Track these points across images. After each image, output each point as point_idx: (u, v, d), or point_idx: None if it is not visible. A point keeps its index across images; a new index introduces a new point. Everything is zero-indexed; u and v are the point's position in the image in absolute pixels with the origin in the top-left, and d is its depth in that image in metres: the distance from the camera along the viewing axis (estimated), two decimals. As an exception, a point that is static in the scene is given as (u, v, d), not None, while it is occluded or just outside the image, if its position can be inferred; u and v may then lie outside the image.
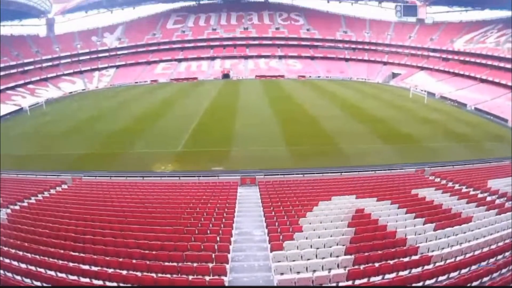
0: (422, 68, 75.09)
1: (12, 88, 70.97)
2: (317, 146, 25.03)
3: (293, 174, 20.77)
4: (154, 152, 25.11)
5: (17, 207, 15.95)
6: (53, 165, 24.75)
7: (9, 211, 15.32)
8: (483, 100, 52.09)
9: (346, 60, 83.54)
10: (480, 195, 16.25)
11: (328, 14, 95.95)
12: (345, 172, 20.80)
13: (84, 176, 21.43)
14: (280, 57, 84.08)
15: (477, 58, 64.84)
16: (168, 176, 20.20)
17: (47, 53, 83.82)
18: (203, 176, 20.05)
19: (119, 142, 29.02)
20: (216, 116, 35.65)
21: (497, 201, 15.06)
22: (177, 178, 19.99)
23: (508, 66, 57.35)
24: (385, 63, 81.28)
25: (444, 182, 19.24)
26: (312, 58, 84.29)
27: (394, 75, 76.38)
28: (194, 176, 20.12)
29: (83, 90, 77.90)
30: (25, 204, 16.63)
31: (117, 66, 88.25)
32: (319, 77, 75.67)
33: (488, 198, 15.65)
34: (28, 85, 74.33)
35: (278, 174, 20.49)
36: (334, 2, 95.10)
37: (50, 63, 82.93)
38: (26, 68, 77.84)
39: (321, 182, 19.55)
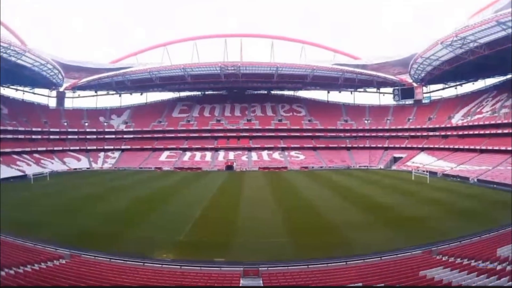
0: (423, 149, 76.07)
1: (18, 153, 72.69)
2: (320, 236, 24.74)
3: (298, 265, 19.95)
4: (156, 238, 24.79)
5: (12, 272, 15.51)
6: (50, 237, 24.32)
7: (3, 273, 14.87)
8: (484, 170, 52.36)
9: (348, 148, 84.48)
10: (489, 266, 15.74)
11: (328, 104, 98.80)
12: (350, 261, 20.12)
13: (83, 254, 20.89)
14: (283, 148, 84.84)
15: (475, 129, 65.95)
16: (169, 264, 19.65)
17: (55, 126, 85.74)
18: (204, 266, 19.53)
19: (120, 225, 28.71)
20: (219, 207, 35.51)
21: (508, 268, 14.54)
22: (178, 267, 19.42)
23: (506, 131, 57.89)
24: (386, 148, 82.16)
25: (452, 259, 18.61)
26: (315, 148, 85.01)
27: (396, 159, 76.78)
28: (196, 266, 19.64)
29: (87, 168, 79.20)
30: (21, 270, 16.10)
31: (123, 150, 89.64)
32: (321, 167, 75.75)
33: (498, 267, 15.12)
34: (34, 153, 75.82)
35: (282, 266, 19.87)
36: (334, 92, 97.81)
37: (57, 136, 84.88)
38: (33, 136, 79.62)
39: (326, 272, 18.96)
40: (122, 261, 19.64)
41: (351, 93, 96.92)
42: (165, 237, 24.59)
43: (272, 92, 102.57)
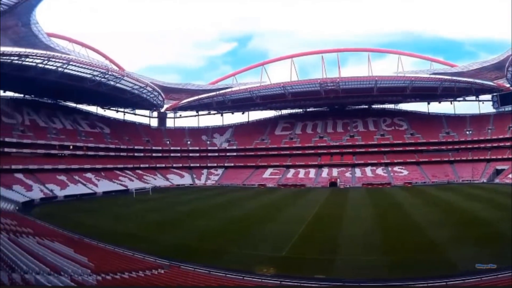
0: (527, 159, 73.15)
1: (121, 169, 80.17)
2: (421, 254, 24.28)
3: (398, 284, 20.40)
4: (257, 253, 25.68)
5: (108, 277, 16.52)
6: (150, 249, 26.03)
7: (99, 278, 15.96)
8: None
9: (451, 162, 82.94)
10: None
11: (429, 116, 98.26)
12: (450, 281, 19.47)
13: (182, 265, 22.05)
14: (386, 164, 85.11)
15: None
16: (269, 279, 20.62)
17: (157, 144, 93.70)
18: (304, 283, 20.35)
19: (221, 240, 29.80)
20: (321, 224, 36.61)
21: None
22: (278, 282, 20.41)
23: None
24: (488, 161, 79.53)
25: None
26: (418, 163, 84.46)
27: (498, 172, 73.91)
28: (296, 282, 20.51)
29: (190, 184, 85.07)
30: (117, 277, 17.15)
31: (226, 167, 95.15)
32: (424, 182, 74.80)
33: None
34: (137, 170, 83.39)
35: (381, 284, 20.32)
36: (433, 103, 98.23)
37: (160, 154, 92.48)
38: (136, 154, 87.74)
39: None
40: (222, 274, 20.54)
41: (451, 103, 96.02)
42: (266, 253, 25.60)
43: (373, 106, 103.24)
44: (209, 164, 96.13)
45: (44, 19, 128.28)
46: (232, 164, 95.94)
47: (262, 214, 42.33)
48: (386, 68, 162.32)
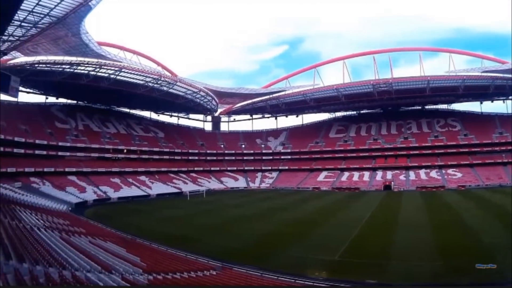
0: None
1: (175, 172, 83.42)
2: (476, 261, 22.90)
3: None
4: (310, 257, 26.08)
5: (160, 277, 17.06)
6: (203, 250, 27.24)
7: (151, 277, 16.55)
8: None
9: (504, 164, 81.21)
10: None
11: (482, 116, 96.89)
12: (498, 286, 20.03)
13: (235, 267, 22.84)
14: (440, 166, 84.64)
15: None
16: (321, 283, 20.89)
17: (211, 148, 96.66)
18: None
19: (273, 242, 30.62)
20: (375, 228, 36.74)
21: None
22: (329, 285, 20.65)
23: None
24: None
25: None
26: (471, 165, 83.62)
27: None
28: (346, 286, 21.17)
29: (244, 187, 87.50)
30: (169, 276, 17.64)
31: (280, 170, 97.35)
32: (478, 185, 73.90)
33: None
34: (191, 173, 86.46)
35: None
36: (486, 102, 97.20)
37: (214, 158, 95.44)
38: (190, 158, 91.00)
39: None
40: (274, 277, 21.02)
41: (503, 101, 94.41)
42: (319, 257, 26.11)
43: (426, 107, 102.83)
44: (263, 167, 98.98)
45: (95, 28, 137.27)
46: (287, 167, 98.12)
47: (316, 217, 43.29)
48: (438, 67, 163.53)
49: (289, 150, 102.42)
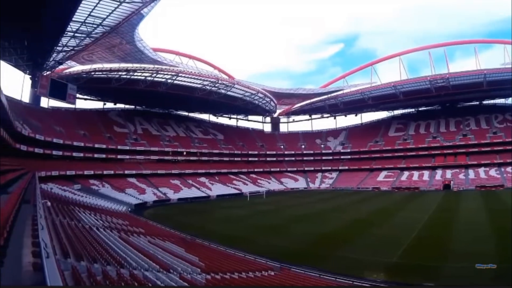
0: None
1: (235, 173, 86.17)
2: None
3: None
4: (368, 259, 26.55)
5: (217, 277, 17.63)
6: (261, 251, 28.14)
7: (208, 277, 17.03)
8: None
9: None
10: None
11: None
12: None
13: (293, 268, 23.58)
14: (499, 164, 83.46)
15: None
16: (379, 284, 21.54)
17: (271, 149, 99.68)
18: None
19: (332, 243, 31.51)
20: (434, 230, 36.91)
21: None
22: (387, 287, 21.36)
23: None
24: None
25: None
26: None
27: None
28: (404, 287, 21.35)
29: (305, 188, 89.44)
30: (227, 276, 18.20)
31: (340, 170, 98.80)
32: None
33: None
34: (251, 174, 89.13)
35: None
36: None
37: (274, 158, 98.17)
38: (250, 159, 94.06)
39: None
40: (332, 278, 21.71)
41: None
42: (377, 259, 26.41)
43: (484, 102, 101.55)
44: (323, 168, 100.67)
45: (149, 34, 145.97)
46: (346, 167, 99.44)
47: (375, 218, 43.83)
48: (493, 59, 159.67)
49: (348, 150, 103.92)
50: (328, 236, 34.40)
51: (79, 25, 45.46)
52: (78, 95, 71.84)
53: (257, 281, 18.84)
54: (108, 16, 44.14)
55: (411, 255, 27.52)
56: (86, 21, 44.24)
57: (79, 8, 39.95)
